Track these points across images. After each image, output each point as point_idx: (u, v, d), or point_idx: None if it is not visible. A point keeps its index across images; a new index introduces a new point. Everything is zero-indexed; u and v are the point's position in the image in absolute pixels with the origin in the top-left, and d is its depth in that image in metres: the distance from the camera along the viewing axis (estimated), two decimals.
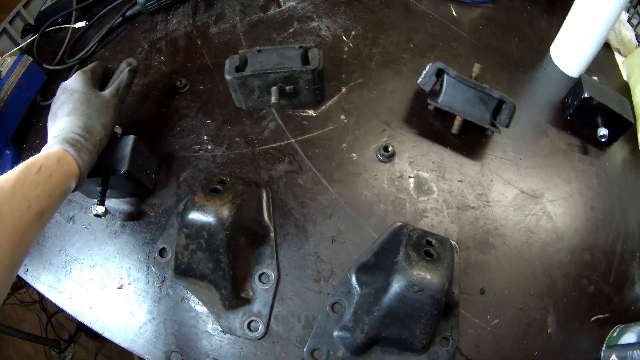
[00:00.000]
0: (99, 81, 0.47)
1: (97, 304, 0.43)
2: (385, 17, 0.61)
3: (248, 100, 0.50)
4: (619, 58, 0.73)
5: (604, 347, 0.44)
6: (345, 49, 0.57)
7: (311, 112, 0.51)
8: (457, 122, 0.50)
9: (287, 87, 0.48)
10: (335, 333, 0.40)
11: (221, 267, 0.40)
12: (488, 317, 0.43)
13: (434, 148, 0.50)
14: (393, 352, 0.40)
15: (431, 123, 0.52)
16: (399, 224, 0.44)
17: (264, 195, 0.45)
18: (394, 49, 0.58)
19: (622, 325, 0.44)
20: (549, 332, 0.43)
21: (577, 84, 0.58)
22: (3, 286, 0.33)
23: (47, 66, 0.59)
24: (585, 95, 0.55)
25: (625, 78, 0.69)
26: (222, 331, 0.41)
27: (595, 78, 0.60)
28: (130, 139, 0.44)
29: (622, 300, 0.47)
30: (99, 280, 0.44)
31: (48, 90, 0.58)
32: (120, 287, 0.44)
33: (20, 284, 1.09)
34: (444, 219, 0.46)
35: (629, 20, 0.84)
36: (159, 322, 0.42)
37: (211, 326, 0.41)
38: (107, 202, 0.45)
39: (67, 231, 0.47)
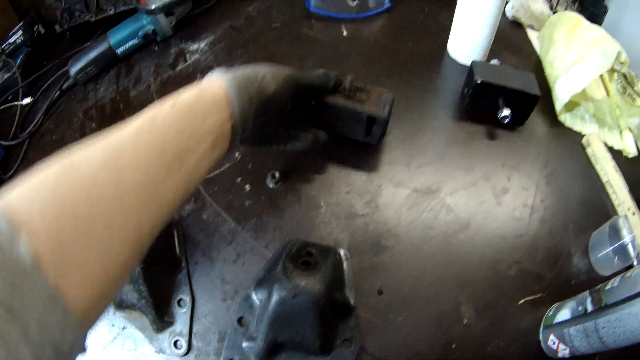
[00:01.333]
0: None
1: None
2: (278, 51, 0.67)
3: None
4: (533, 34, 0.73)
5: (541, 329, 0.43)
6: None
7: None
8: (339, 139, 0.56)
9: None
10: (244, 344, 0.46)
11: (143, 296, 0.48)
12: (391, 315, 0.45)
13: (321, 167, 0.57)
14: (298, 357, 0.45)
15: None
16: (287, 240, 0.52)
17: (175, 232, 0.53)
18: None
19: (558, 304, 0.43)
20: (465, 322, 0.44)
21: (469, 72, 0.58)
22: (130, 259, 0.28)
23: (3, 142, 0.68)
24: (477, 80, 0.54)
25: (539, 52, 0.68)
26: (155, 351, 0.50)
27: (495, 61, 0.61)
28: None
29: (559, 276, 0.46)
30: None
31: (6, 165, 0.67)
32: None
33: None
34: (333, 230, 0.52)
35: None
36: (109, 349, 0.51)
37: (147, 348, 0.50)
38: None
39: None
